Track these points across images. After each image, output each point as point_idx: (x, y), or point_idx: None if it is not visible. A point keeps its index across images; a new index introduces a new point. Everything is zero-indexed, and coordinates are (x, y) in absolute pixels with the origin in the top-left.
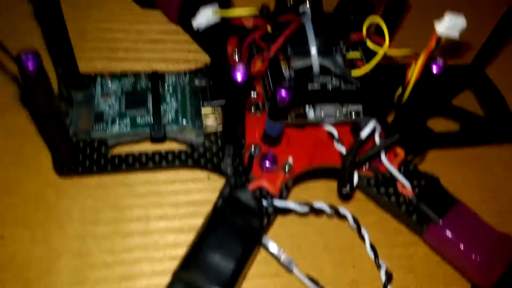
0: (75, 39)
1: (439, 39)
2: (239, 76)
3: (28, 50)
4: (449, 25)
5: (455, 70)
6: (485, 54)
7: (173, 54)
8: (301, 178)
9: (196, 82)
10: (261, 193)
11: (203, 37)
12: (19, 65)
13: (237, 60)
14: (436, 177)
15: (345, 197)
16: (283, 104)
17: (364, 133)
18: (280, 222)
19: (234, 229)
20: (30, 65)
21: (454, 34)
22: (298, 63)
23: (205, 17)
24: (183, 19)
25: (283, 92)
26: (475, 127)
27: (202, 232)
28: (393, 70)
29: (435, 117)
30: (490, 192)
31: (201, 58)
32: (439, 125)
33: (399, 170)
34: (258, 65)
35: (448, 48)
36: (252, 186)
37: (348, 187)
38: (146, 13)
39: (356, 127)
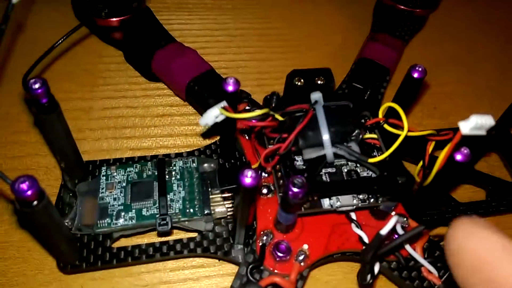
0: (81, 119)
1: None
2: (247, 180)
3: (23, 177)
4: (475, 126)
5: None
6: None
7: (181, 128)
8: (318, 264)
9: (205, 166)
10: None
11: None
12: (15, 193)
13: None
14: None
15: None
16: (296, 200)
17: (385, 231)
18: None
19: None
20: (27, 191)
21: (480, 132)
22: (310, 154)
23: (210, 117)
24: (191, 96)
25: (295, 190)
26: (503, 193)
27: None
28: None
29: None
30: None
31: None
32: (464, 192)
33: (424, 252)
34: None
35: None
36: (264, 282)
37: (369, 278)
38: (153, 87)
39: (376, 210)
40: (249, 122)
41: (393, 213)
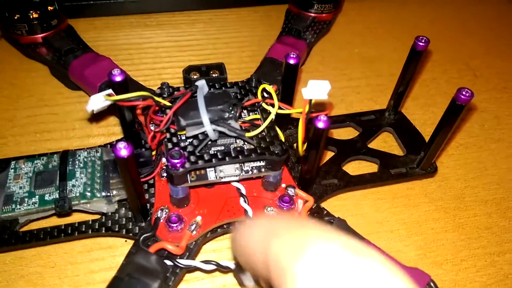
0: (4, 127)
1: (310, 101)
2: (122, 152)
3: None
4: (314, 90)
5: (371, 114)
6: (399, 96)
7: (99, 129)
8: (215, 233)
9: (108, 155)
10: (168, 254)
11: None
12: None
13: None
14: (343, 219)
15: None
16: (176, 170)
17: None
18: None
19: None
20: None
21: (322, 96)
22: (192, 131)
23: (96, 102)
24: None
25: (173, 160)
26: (392, 165)
27: None
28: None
29: (354, 160)
30: (415, 225)
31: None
32: (358, 167)
33: (309, 216)
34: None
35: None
36: (153, 248)
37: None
38: (75, 95)
39: (266, 182)
40: (130, 103)
41: (283, 184)
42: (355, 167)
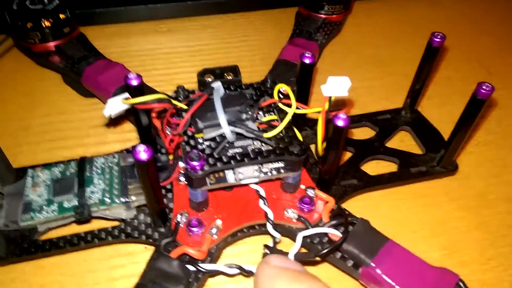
0: (20, 135)
1: (330, 98)
2: (142, 155)
3: None
4: (334, 87)
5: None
6: (416, 94)
7: (114, 135)
8: (236, 237)
9: (126, 160)
10: (190, 259)
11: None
12: None
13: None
14: (366, 219)
15: None
16: (195, 173)
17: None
18: None
19: None
20: None
21: (342, 93)
22: (210, 133)
23: (113, 106)
24: None
25: (193, 164)
26: (411, 164)
27: None
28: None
29: (372, 160)
30: (438, 224)
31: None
32: (377, 167)
33: (330, 218)
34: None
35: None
36: (174, 253)
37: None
38: (89, 102)
39: (285, 184)
40: (147, 106)
41: (302, 186)
42: (374, 167)
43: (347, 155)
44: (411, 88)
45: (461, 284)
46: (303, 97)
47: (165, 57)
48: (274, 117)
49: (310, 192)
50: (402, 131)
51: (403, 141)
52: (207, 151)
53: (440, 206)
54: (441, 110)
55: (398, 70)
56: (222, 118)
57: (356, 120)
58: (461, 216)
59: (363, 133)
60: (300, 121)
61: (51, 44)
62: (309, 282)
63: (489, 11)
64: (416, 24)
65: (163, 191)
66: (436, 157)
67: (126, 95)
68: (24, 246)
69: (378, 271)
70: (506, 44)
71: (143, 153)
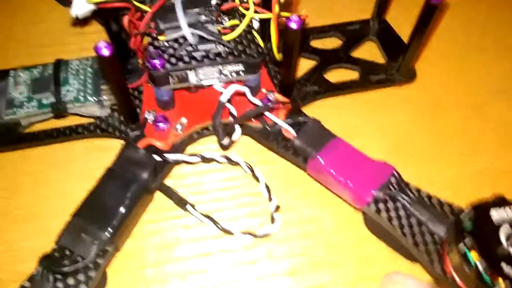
0: (3, 42)
1: (278, 1)
2: (103, 51)
3: None
4: None
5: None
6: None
7: (93, 43)
8: (200, 134)
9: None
10: (156, 150)
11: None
12: None
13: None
14: (317, 119)
15: (225, 148)
16: (157, 72)
17: (224, 98)
18: None
19: (122, 182)
20: None
21: None
22: (171, 35)
23: (79, 7)
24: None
25: (153, 62)
26: (373, 72)
27: (94, 187)
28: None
29: (336, 68)
30: (389, 128)
31: None
32: (339, 75)
33: (287, 118)
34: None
35: None
36: (141, 144)
37: (226, 140)
38: (67, 10)
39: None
40: (109, 5)
41: (263, 89)
42: (336, 75)
43: (312, 63)
44: None
45: (396, 174)
46: (268, 1)
47: None
48: (237, 22)
49: (270, 96)
50: (370, 41)
51: (371, 52)
52: (170, 51)
53: (396, 112)
54: (413, 22)
55: None
56: (181, 19)
57: (325, 31)
58: (414, 121)
59: (331, 43)
60: (268, 30)
61: None
62: None
63: None
64: None
65: (136, 93)
66: (396, 66)
67: None
68: (10, 137)
69: (322, 161)
70: None
71: (104, 49)
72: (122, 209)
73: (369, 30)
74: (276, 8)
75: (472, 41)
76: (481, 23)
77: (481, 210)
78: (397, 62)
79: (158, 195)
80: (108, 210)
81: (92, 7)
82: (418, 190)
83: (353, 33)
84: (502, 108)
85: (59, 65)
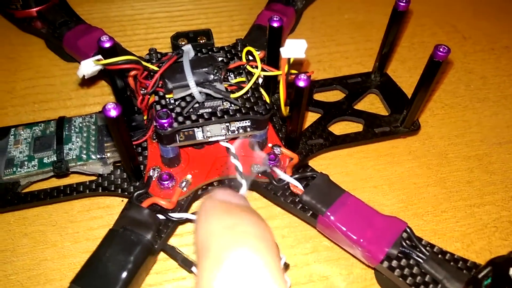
0: (4, 99)
1: (288, 60)
2: (111, 112)
3: None
4: (292, 49)
5: (357, 77)
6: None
7: (94, 99)
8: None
9: (102, 120)
10: (160, 208)
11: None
12: None
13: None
14: (325, 174)
15: None
16: (164, 130)
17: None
18: None
19: (125, 244)
20: None
21: (300, 55)
22: (179, 93)
23: (86, 67)
24: None
25: (161, 121)
26: (376, 124)
27: (94, 251)
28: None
29: (340, 121)
30: (397, 180)
31: None
32: (344, 128)
33: (294, 172)
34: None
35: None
36: (145, 203)
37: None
38: (71, 66)
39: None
40: (117, 66)
41: (269, 144)
42: (341, 128)
43: (316, 116)
44: (380, 52)
45: (408, 230)
46: (273, 60)
47: (145, 22)
48: (243, 79)
49: (276, 150)
50: (372, 94)
51: (373, 104)
52: (177, 110)
53: (402, 164)
54: (413, 74)
55: (374, 35)
56: (190, 78)
57: (327, 84)
58: (421, 173)
59: (333, 96)
60: (273, 84)
61: (33, 10)
62: (240, 215)
63: None
64: None
65: (139, 149)
66: (400, 118)
67: (99, 56)
68: (8, 198)
69: (332, 218)
70: (480, 9)
71: (112, 111)
72: (124, 275)
73: (371, 83)
74: (286, 67)
75: (473, 91)
76: (480, 73)
77: (500, 267)
78: (401, 115)
79: (161, 255)
80: (109, 277)
81: (99, 67)
82: (431, 246)
83: (355, 86)
84: (506, 159)
85: (62, 122)
